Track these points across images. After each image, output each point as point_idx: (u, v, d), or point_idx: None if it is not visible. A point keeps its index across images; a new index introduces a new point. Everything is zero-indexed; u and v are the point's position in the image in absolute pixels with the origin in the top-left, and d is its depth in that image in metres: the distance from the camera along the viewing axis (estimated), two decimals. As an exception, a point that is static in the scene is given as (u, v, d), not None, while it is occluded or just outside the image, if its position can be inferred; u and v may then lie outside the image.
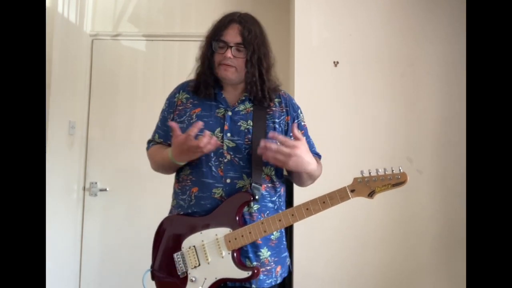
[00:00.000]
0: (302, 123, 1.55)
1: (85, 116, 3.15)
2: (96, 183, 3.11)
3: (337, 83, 2.56)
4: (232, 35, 1.44)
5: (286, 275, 1.51)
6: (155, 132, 1.60)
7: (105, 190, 3.12)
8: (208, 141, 1.32)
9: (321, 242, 2.51)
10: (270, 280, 1.42)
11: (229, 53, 1.42)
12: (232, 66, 1.43)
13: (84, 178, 3.13)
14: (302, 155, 1.32)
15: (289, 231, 2.63)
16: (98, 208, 3.12)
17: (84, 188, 3.13)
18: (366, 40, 2.57)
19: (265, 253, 1.42)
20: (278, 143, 1.31)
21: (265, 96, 1.46)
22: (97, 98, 3.18)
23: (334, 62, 2.57)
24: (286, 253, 1.53)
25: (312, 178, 1.48)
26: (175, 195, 1.53)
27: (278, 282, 1.46)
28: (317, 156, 1.55)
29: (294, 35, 2.62)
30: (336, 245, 2.50)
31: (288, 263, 1.54)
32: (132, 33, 3.25)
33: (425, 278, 2.49)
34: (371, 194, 1.30)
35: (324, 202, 1.31)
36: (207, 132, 1.33)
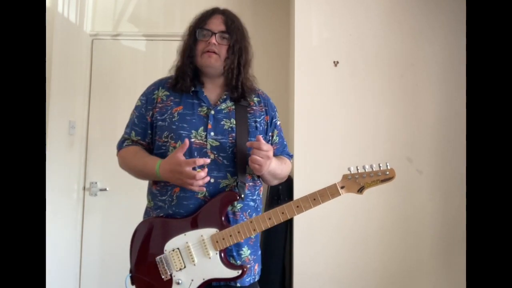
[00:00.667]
0: (278, 123, 1.58)
1: (85, 116, 3.15)
2: (96, 183, 3.11)
3: (337, 83, 2.56)
4: (216, 24, 1.47)
5: (261, 273, 1.53)
6: (131, 129, 1.56)
7: (105, 190, 3.12)
8: (202, 177, 1.32)
9: (321, 242, 2.51)
10: (249, 278, 1.44)
11: (213, 39, 1.44)
12: (216, 53, 1.44)
13: (84, 178, 3.13)
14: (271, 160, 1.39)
15: (289, 231, 2.63)
16: (98, 208, 3.12)
17: (84, 188, 3.13)
18: (366, 40, 2.57)
19: (246, 251, 1.44)
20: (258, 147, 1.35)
21: (238, 87, 1.47)
22: (97, 98, 3.18)
23: (334, 62, 2.57)
24: (260, 251, 1.55)
25: (277, 177, 1.52)
26: (152, 196, 1.51)
27: (256, 279, 1.48)
28: (288, 156, 1.61)
29: (294, 35, 2.62)
30: (336, 245, 2.50)
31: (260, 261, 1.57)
32: (132, 33, 3.25)
33: (425, 278, 2.49)
34: (360, 190, 1.32)
35: (314, 199, 1.32)
36: (205, 170, 1.35)
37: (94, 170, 3.13)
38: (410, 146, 2.53)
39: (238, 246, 1.41)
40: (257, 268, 1.49)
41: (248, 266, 1.43)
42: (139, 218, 2.78)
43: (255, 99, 1.53)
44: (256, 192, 1.50)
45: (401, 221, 2.51)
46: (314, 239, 2.51)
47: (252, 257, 1.47)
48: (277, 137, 1.57)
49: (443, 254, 2.49)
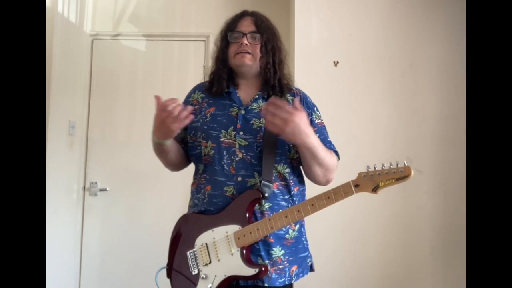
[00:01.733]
0: (317, 121, 1.53)
1: (85, 116, 3.15)
2: (96, 183, 3.11)
3: (337, 83, 2.56)
4: (246, 25, 1.49)
5: (303, 275, 1.48)
6: None
7: (105, 190, 3.12)
8: (173, 106, 1.30)
9: (321, 241, 2.51)
10: (282, 279, 1.41)
11: (245, 40, 1.46)
12: (249, 53, 1.46)
13: (84, 178, 3.13)
14: (300, 124, 1.28)
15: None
16: (98, 208, 3.12)
17: (84, 188, 3.13)
18: (366, 40, 2.57)
19: (277, 251, 1.41)
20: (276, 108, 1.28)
21: (275, 86, 1.48)
22: (97, 98, 3.18)
23: (334, 62, 2.57)
24: (306, 253, 1.51)
25: (319, 162, 1.40)
26: (192, 194, 1.54)
27: (293, 281, 1.44)
28: (334, 152, 1.51)
29: (294, 35, 2.62)
30: (336, 244, 2.50)
31: (310, 263, 1.53)
32: (132, 33, 3.25)
33: (425, 278, 2.49)
34: (375, 189, 1.28)
35: (328, 198, 1.32)
36: (176, 100, 1.32)
37: (94, 170, 3.13)
38: (410, 146, 2.53)
39: (268, 245, 1.40)
40: (294, 270, 1.45)
41: (281, 267, 1.41)
42: (139, 218, 2.80)
43: (290, 97, 1.52)
44: (291, 193, 1.46)
45: (401, 221, 2.51)
46: (314, 239, 2.50)
47: (287, 257, 1.43)
48: (317, 134, 1.46)
49: (443, 254, 2.49)
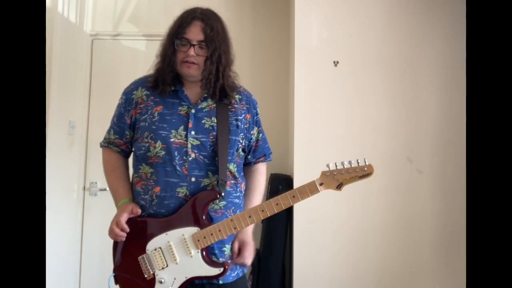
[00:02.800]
0: (259, 118, 1.59)
1: (85, 116, 3.15)
2: (96, 183, 3.11)
3: (337, 83, 2.56)
4: (195, 33, 1.42)
5: (247, 269, 1.56)
6: (111, 127, 1.59)
7: (105, 190, 3.11)
8: (120, 232, 1.41)
9: (321, 242, 2.51)
10: (235, 273, 1.46)
11: (192, 51, 1.41)
12: (195, 64, 1.43)
13: (84, 178, 3.12)
14: (251, 251, 1.47)
15: (289, 231, 2.63)
16: (98, 208, 3.11)
17: (84, 188, 3.12)
18: (366, 40, 2.57)
19: (228, 249, 1.45)
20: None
21: (216, 92, 1.45)
22: (97, 98, 3.18)
23: (334, 62, 2.57)
24: None
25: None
26: (136, 194, 1.49)
27: (245, 272, 1.52)
28: (267, 156, 1.62)
29: (294, 35, 2.62)
30: (337, 245, 2.50)
31: None
32: (132, 33, 3.25)
33: (425, 278, 2.49)
34: (339, 186, 1.33)
35: (294, 196, 1.34)
36: (126, 230, 1.41)
37: (94, 170, 3.13)
38: (410, 146, 2.53)
39: (221, 243, 1.42)
40: None
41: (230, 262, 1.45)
42: (139, 218, 2.71)
43: (237, 96, 1.52)
44: (238, 189, 1.50)
45: (401, 221, 2.51)
46: (314, 239, 2.51)
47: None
48: (259, 134, 1.57)
49: (443, 254, 2.49)
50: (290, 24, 2.88)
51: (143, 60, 3.23)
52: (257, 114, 1.56)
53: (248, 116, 1.52)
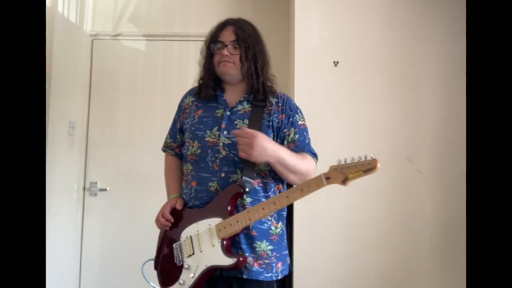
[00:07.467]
0: (300, 122, 1.60)
1: (85, 116, 3.15)
2: (96, 183, 3.11)
3: (337, 83, 2.56)
4: (227, 36, 1.58)
5: (286, 273, 1.56)
6: (168, 132, 1.75)
7: (105, 190, 3.12)
8: (165, 221, 1.57)
9: (321, 242, 2.51)
10: (270, 274, 1.48)
11: (226, 51, 1.55)
12: (231, 62, 1.55)
13: (84, 178, 3.13)
14: (263, 144, 1.41)
15: (288, 229, 2.63)
16: (98, 208, 3.12)
17: (84, 188, 3.12)
18: (366, 40, 2.57)
19: (263, 246, 1.49)
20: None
21: (259, 89, 1.56)
22: (97, 98, 3.18)
23: (334, 62, 2.57)
24: (287, 252, 1.59)
25: (292, 171, 1.50)
26: (182, 190, 1.64)
27: (279, 278, 1.51)
28: (310, 154, 1.61)
29: (294, 35, 2.62)
30: (336, 245, 2.50)
31: (289, 261, 1.59)
32: (132, 33, 3.25)
33: (425, 278, 2.49)
34: (344, 181, 1.37)
35: (302, 190, 1.40)
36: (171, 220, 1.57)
37: (94, 170, 3.13)
38: (410, 146, 2.53)
39: (251, 238, 1.47)
40: (280, 266, 1.52)
41: (267, 261, 1.48)
42: (139, 218, 2.82)
43: (273, 100, 1.59)
44: (272, 190, 1.55)
45: (401, 221, 2.50)
46: (314, 239, 2.51)
47: (274, 253, 1.50)
48: (296, 135, 1.57)
49: (443, 254, 2.49)
50: (290, 24, 2.88)
51: (143, 60, 3.24)
52: (293, 116, 1.59)
53: (282, 116, 1.57)
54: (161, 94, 3.18)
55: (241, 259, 1.41)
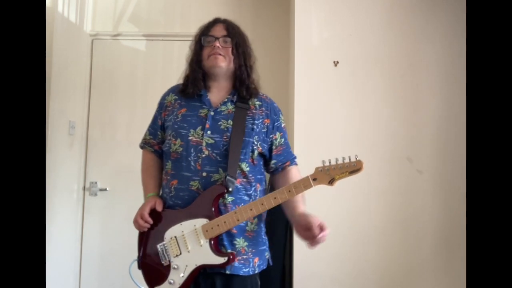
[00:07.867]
0: (282, 125, 1.67)
1: (85, 116, 3.15)
2: (96, 183, 3.11)
3: (337, 83, 2.56)
4: (218, 30, 1.62)
5: (264, 267, 1.61)
6: (147, 129, 1.76)
7: (105, 190, 3.12)
8: (143, 223, 1.57)
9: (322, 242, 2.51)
10: (247, 269, 1.53)
11: (217, 43, 1.58)
12: (221, 54, 1.58)
13: (84, 178, 3.13)
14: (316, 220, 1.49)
15: (289, 231, 2.63)
16: (98, 208, 3.12)
17: (84, 188, 3.13)
18: (366, 40, 2.57)
19: (241, 242, 1.53)
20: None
21: (246, 86, 1.60)
22: (97, 98, 3.18)
23: (334, 62, 2.57)
24: (265, 247, 1.64)
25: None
26: (162, 188, 1.66)
27: (256, 272, 1.57)
28: (294, 163, 1.69)
29: (294, 35, 2.62)
30: (337, 245, 2.50)
31: (267, 256, 1.64)
32: (132, 33, 3.25)
33: (425, 278, 2.49)
34: (331, 182, 1.41)
35: (289, 191, 1.44)
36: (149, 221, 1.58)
37: (94, 170, 3.13)
38: (410, 146, 2.53)
39: (231, 236, 1.52)
40: (257, 261, 1.57)
41: (245, 257, 1.53)
42: (139, 218, 2.71)
43: (257, 102, 1.63)
44: (253, 188, 1.58)
45: (401, 221, 2.50)
46: (314, 239, 2.51)
47: (250, 249, 1.55)
48: (282, 139, 1.66)
49: (443, 254, 2.49)
50: (290, 24, 2.88)
51: (143, 60, 3.24)
52: (278, 120, 1.65)
53: (267, 121, 1.62)
54: (160, 94, 3.16)
55: (231, 256, 1.46)
